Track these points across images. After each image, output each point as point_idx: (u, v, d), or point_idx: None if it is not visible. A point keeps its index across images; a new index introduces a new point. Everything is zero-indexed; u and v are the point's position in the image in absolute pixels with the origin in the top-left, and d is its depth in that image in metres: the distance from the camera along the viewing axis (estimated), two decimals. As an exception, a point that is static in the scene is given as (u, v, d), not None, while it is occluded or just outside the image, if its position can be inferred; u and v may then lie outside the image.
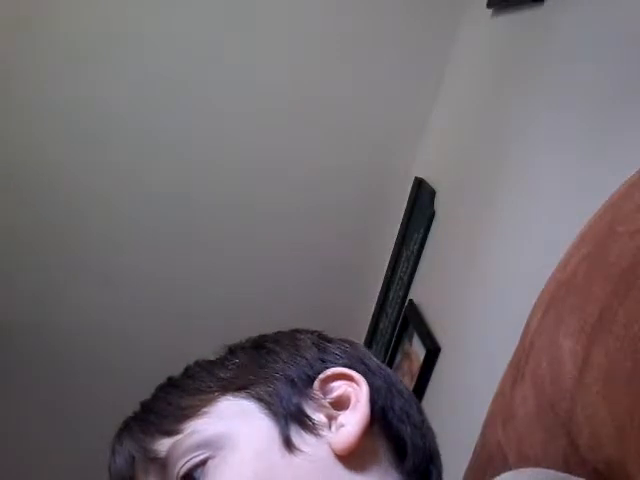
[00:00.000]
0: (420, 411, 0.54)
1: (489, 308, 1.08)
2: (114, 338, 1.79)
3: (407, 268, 1.52)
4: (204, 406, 0.50)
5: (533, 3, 1.14)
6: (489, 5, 1.37)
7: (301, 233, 1.76)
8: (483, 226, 1.17)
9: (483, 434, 0.51)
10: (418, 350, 1.30)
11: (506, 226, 1.09)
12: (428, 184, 1.52)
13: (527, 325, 0.36)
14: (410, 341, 1.38)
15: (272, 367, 0.53)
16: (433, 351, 1.22)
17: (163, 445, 0.50)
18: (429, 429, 0.54)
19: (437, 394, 1.21)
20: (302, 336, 0.57)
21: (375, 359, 0.56)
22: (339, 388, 0.51)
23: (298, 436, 0.48)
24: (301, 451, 0.47)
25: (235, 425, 0.49)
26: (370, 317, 1.76)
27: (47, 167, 1.69)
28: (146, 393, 0.56)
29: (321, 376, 0.52)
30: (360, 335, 1.77)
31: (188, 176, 1.72)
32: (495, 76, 1.31)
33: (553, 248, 0.92)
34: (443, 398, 1.18)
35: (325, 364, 0.53)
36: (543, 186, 0.98)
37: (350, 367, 0.53)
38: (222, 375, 0.53)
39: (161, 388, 0.56)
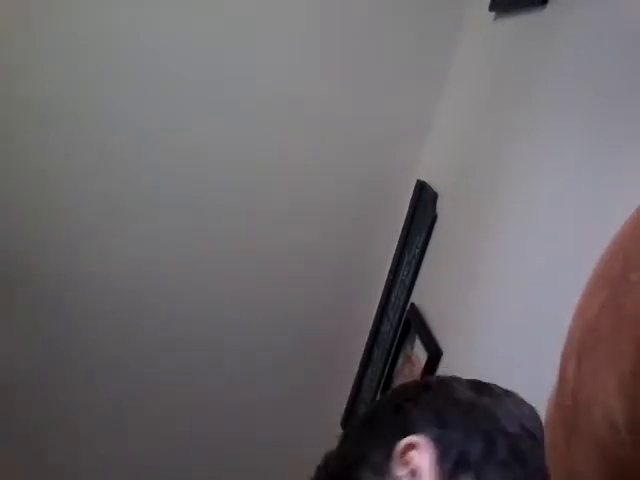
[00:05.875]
0: (513, 441, 0.54)
1: (491, 312, 1.07)
2: (114, 338, 1.79)
3: (409, 271, 1.52)
4: None
5: (535, 6, 1.13)
6: (491, 8, 1.37)
7: (302, 236, 1.76)
8: (485, 230, 1.16)
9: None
10: (420, 354, 1.29)
11: (508, 230, 1.08)
12: (430, 187, 1.52)
13: (563, 370, 0.36)
14: (412, 345, 1.37)
15: (359, 455, 0.57)
16: (435, 355, 1.22)
17: None
18: (521, 454, 0.54)
19: (439, 398, 1.20)
20: (385, 406, 0.60)
21: (463, 398, 0.57)
22: (412, 459, 0.54)
23: None
24: None
25: None
26: (372, 320, 1.75)
27: (48, 166, 1.69)
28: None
29: (397, 452, 0.54)
30: (362, 338, 1.76)
31: (189, 176, 1.71)
32: (497, 79, 1.30)
33: (555, 253, 0.92)
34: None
35: (404, 434, 0.55)
36: (545, 190, 0.98)
37: (424, 431, 0.54)
38: (330, 471, 0.59)
39: None
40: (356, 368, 1.76)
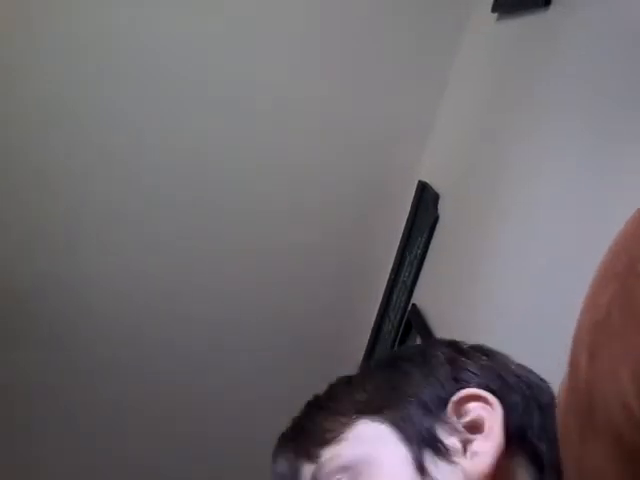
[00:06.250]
0: None
1: (492, 313, 1.07)
2: (114, 338, 1.79)
3: (410, 272, 1.52)
4: (343, 430, 0.52)
5: (538, 7, 1.13)
6: (494, 9, 1.37)
7: (302, 236, 1.75)
8: (486, 230, 1.16)
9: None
10: (421, 355, 1.29)
11: (509, 231, 1.08)
12: (432, 188, 1.52)
13: (574, 357, 0.36)
14: (413, 345, 1.37)
15: (405, 390, 0.53)
16: (436, 356, 1.21)
17: (309, 469, 0.52)
18: None
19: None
20: (436, 352, 0.56)
21: (515, 368, 0.55)
22: (473, 411, 0.50)
23: (431, 463, 0.48)
24: (434, 478, 0.47)
25: (371, 450, 0.50)
26: (373, 321, 1.75)
27: (48, 166, 1.69)
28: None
29: (454, 398, 0.51)
30: (363, 339, 1.76)
31: (189, 176, 1.71)
32: (499, 80, 1.30)
33: (556, 253, 0.92)
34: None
35: (459, 384, 0.52)
36: (546, 190, 0.98)
37: (485, 386, 0.52)
38: (359, 397, 0.55)
39: (309, 405, 0.59)
40: (357, 369, 1.76)
